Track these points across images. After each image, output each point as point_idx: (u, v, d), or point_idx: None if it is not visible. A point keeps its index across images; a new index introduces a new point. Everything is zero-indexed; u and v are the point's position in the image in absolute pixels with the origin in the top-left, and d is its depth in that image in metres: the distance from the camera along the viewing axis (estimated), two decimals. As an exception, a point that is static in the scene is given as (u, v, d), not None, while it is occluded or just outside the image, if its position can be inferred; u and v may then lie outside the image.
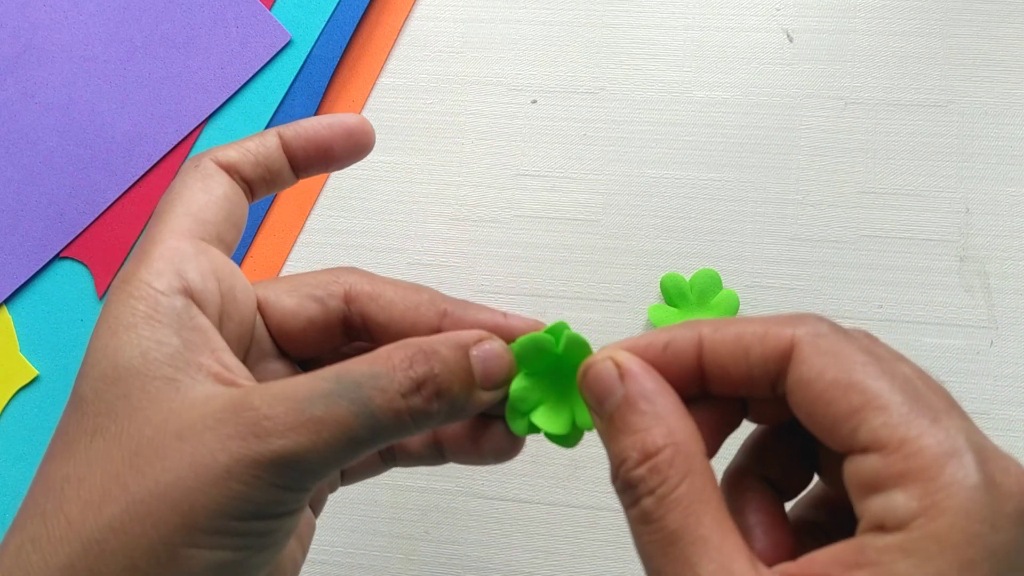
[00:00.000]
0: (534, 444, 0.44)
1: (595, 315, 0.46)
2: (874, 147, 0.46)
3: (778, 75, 0.47)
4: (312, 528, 0.29)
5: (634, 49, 0.48)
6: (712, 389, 0.24)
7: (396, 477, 0.44)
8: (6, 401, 0.47)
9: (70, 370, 0.47)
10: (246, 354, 0.28)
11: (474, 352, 0.25)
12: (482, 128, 0.48)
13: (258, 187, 0.29)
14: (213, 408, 0.22)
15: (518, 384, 0.26)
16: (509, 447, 0.28)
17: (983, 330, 0.43)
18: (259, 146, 0.28)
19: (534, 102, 0.48)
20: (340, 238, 0.48)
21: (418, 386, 0.23)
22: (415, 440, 0.29)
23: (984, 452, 0.20)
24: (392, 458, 0.30)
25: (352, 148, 0.29)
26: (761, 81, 0.47)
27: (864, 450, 0.20)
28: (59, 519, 0.22)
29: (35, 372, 0.47)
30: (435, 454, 0.29)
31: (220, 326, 0.26)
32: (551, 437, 0.26)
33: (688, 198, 0.46)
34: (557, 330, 0.26)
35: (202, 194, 0.27)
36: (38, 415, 0.47)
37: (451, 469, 0.44)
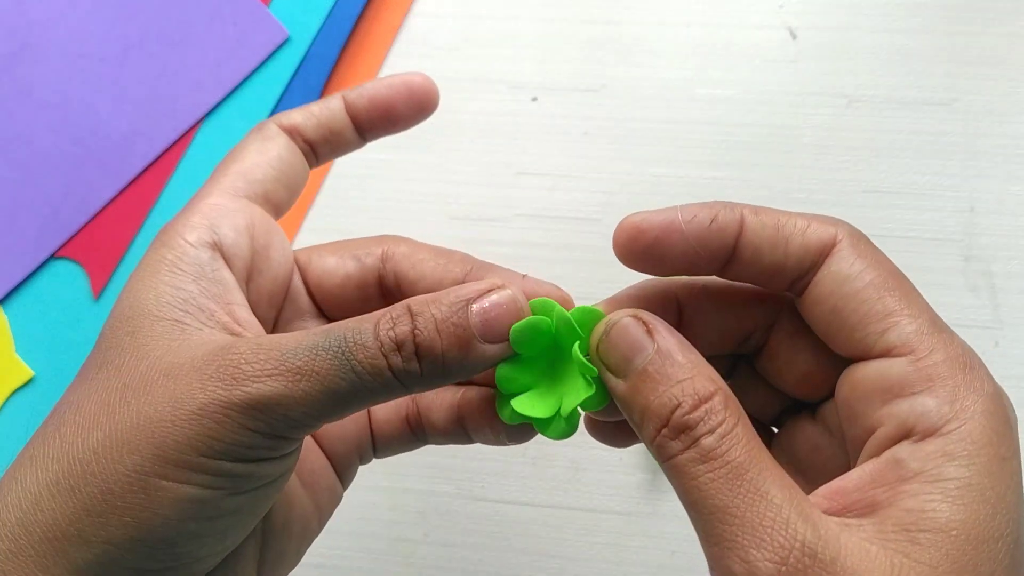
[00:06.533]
0: (534, 446, 0.44)
1: (596, 315, 0.45)
2: (878, 145, 0.45)
3: (781, 72, 0.46)
4: (335, 497, 0.29)
5: (635, 46, 0.48)
6: (733, 273, 0.24)
7: (395, 479, 0.44)
8: (2, 402, 0.47)
9: (66, 370, 0.47)
10: (279, 311, 0.29)
11: (475, 305, 0.24)
12: (482, 126, 0.48)
13: (321, 148, 0.30)
14: (203, 351, 0.23)
15: (504, 367, 0.25)
16: (526, 432, 0.27)
17: (988, 330, 0.43)
18: (322, 108, 0.30)
19: (534, 100, 0.48)
20: (338, 236, 0.47)
21: (398, 345, 0.23)
22: (441, 416, 0.29)
23: (984, 366, 0.22)
24: (423, 434, 0.30)
25: (415, 106, 0.31)
26: (764, 79, 0.46)
27: (888, 353, 0.22)
28: (55, 439, 0.23)
29: (31, 373, 0.47)
30: (460, 432, 0.29)
31: (249, 279, 0.27)
32: (535, 423, 0.26)
33: (690, 197, 0.45)
34: (547, 307, 0.25)
35: (256, 154, 0.28)
36: (34, 416, 0.47)
37: (450, 471, 0.44)
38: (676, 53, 0.47)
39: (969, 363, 0.22)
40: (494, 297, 0.24)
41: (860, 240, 0.23)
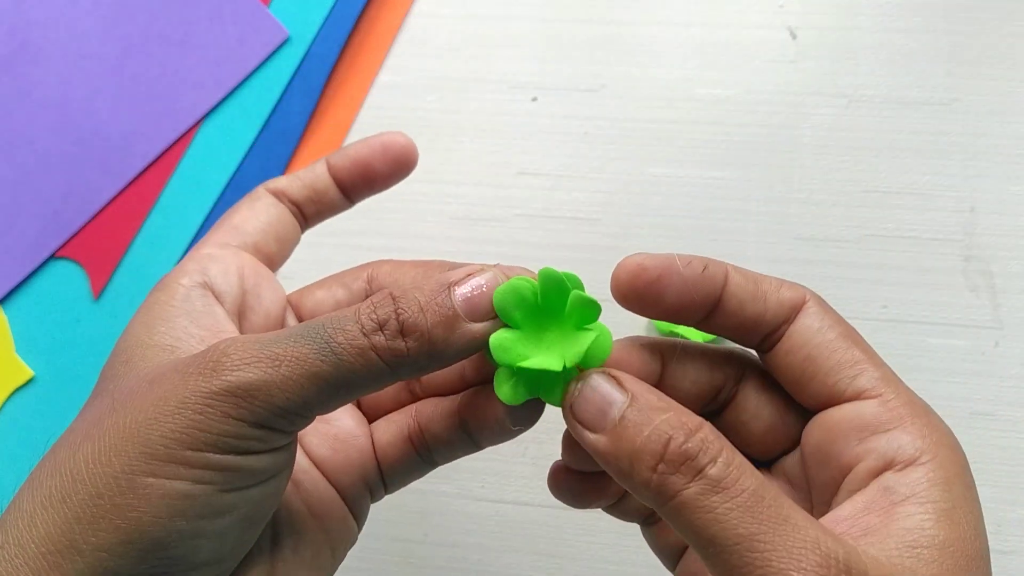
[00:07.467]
0: (533, 446, 0.44)
1: (596, 315, 0.45)
2: (878, 145, 0.45)
3: (781, 73, 0.46)
4: (347, 531, 0.29)
5: (636, 46, 0.48)
6: (714, 323, 0.26)
7: (395, 479, 0.44)
8: (2, 402, 0.47)
9: (66, 371, 0.47)
10: None
11: (457, 288, 0.24)
12: (482, 126, 0.48)
13: (307, 208, 0.32)
14: (187, 357, 0.24)
15: (497, 336, 0.25)
16: (531, 410, 0.27)
17: (988, 330, 0.43)
18: (307, 172, 0.32)
19: (534, 100, 0.48)
20: (338, 238, 0.47)
21: (380, 325, 0.23)
22: (443, 425, 0.29)
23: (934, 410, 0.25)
24: (428, 454, 0.29)
25: (391, 163, 0.32)
26: (764, 79, 0.46)
27: (859, 396, 0.24)
28: (50, 461, 0.24)
29: (31, 373, 0.47)
30: (465, 438, 0.29)
31: (242, 317, 0.29)
32: (541, 392, 0.25)
33: (690, 197, 0.46)
34: (527, 281, 0.25)
35: (245, 211, 0.31)
36: (34, 416, 0.47)
37: (450, 471, 0.44)
38: (676, 53, 0.47)
39: (924, 407, 0.24)
40: (476, 278, 0.25)
41: (823, 301, 0.26)
